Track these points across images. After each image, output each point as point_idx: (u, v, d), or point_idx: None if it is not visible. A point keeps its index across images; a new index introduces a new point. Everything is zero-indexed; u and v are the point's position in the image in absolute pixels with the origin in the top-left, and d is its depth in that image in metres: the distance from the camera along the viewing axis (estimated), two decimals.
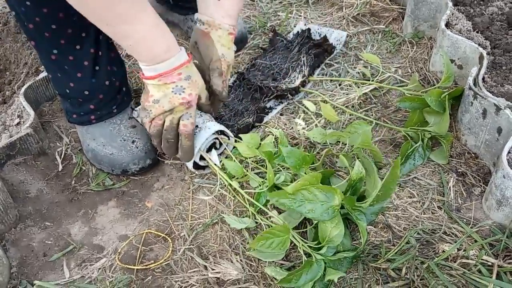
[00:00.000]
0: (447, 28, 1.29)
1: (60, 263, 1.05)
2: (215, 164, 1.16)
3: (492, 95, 1.09)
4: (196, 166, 1.18)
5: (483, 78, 1.16)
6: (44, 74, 1.36)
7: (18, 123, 1.25)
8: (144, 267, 1.03)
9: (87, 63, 1.15)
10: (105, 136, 1.22)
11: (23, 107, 1.27)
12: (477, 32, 1.29)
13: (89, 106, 1.20)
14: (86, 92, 1.18)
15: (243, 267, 1.02)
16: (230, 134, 1.20)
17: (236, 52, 1.57)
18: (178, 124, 1.09)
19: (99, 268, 1.04)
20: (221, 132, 1.20)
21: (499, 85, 1.14)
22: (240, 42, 1.56)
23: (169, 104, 1.05)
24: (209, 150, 1.18)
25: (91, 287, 1.00)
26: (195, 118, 1.11)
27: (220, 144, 1.20)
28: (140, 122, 1.24)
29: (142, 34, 0.97)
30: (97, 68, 1.17)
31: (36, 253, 1.06)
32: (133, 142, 1.22)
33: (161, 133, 1.10)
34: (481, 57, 1.20)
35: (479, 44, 1.23)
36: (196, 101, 1.08)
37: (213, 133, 1.16)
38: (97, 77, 1.17)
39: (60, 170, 1.23)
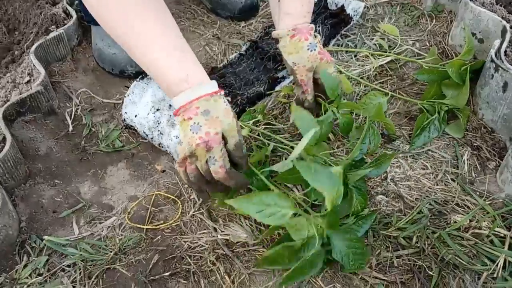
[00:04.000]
0: (470, 0, 1.26)
1: (70, 220, 1.05)
2: None
3: None
4: None
5: (505, 52, 1.13)
6: (54, 33, 1.34)
7: (28, 81, 1.24)
8: (153, 227, 1.03)
9: None
10: (112, 38, 1.25)
11: (33, 65, 1.25)
12: (501, 5, 1.26)
13: None
14: None
15: (252, 231, 1.01)
16: None
17: (248, 20, 1.55)
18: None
19: (109, 226, 1.03)
20: None
21: None
22: (250, 10, 1.54)
23: (188, 147, 0.87)
24: None
25: (100, 244, 1.00)
26: (225, 159, 0.89)
27: None
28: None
29: (155, 56, 0.87)
30: None
31: (46, 210, 1.06)
32: None
33: (203, 179, 0.92)
34: (504, 31, 1.17)
35: (502, 17, 1.20)
36: (218, 142, 0.87)
37: None
38: None
39: (70, 130, 1.22)
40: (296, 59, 1.05)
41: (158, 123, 1.12)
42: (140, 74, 1.29)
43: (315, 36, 1.07)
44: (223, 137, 0.89)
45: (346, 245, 0.89)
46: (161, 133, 1.12)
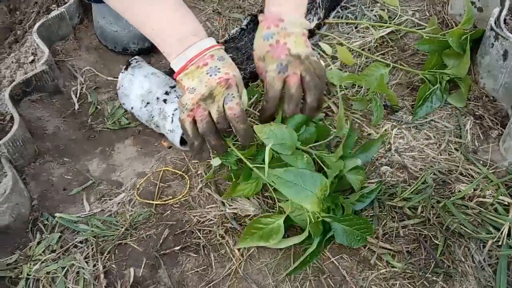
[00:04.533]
0: None
1: (80, 197, 1.07)
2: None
3: None
4: (183, 141, 1.11)
5: (505, 20, 1.13)
6: (55, 12, 1.33)
7: (33, 61, 1.24)
8: (162, 202, 1.05)
9: None
10: (113, 16, 1.31)
11: (37, 44, 1.25)
12: None
13: None
14: None
15: (260, 204, 1.03)
16: None
17: None
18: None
19: (119, 203, 1.05)
20: None
21: None
22: None
23: (205, 88, 0.91)
24: None
25: (111, 220, 1.02)
26: (242, 99, 0.95)
27: None
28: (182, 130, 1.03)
29: (166, 14, 0.94)
30: None
31: (56, 187, 1.08)
32: None
33: (214, 128, 0.95)
34: None
35: None
36: (235, 83, 0.94)
37: None
38: None
39: (76, 108, 1.23)
40: (255, 44, 1.03)
41: (152, 117, 1.12)
42: (143, 51, 1.29)
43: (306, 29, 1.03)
44: None
45: (347, 225, 0.90)
46: (157, 126, 1.13)
